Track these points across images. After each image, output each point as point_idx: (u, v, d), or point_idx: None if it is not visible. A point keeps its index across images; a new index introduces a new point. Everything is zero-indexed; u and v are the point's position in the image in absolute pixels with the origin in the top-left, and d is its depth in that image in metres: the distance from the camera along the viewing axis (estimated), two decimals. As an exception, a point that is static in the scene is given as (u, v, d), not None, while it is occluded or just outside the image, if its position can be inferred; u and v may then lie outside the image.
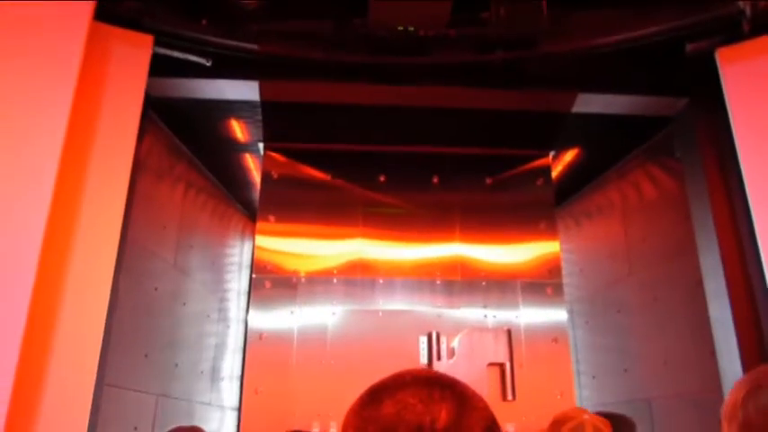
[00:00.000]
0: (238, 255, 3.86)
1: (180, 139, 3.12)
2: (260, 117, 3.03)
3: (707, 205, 2.59)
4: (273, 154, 3.25)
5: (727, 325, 2.37)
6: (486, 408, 0.70)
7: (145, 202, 2.74)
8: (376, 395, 0.70)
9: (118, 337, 2.43)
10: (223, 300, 3.67)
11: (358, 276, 3.08)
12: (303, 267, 3.10)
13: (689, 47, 2.43)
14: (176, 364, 3.08)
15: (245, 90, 2.76)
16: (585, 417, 1.78)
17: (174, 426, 1.74)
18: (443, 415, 0.65)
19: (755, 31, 2.34)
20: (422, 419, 0.64)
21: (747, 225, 2.37)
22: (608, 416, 2.03)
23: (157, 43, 2.38)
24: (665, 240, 2.91)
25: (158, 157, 2.92)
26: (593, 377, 3.26)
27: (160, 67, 2.46)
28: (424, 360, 2.91)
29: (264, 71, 2.64)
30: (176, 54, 2.46)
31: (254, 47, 2.53)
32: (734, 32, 2.40)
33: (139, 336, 2.70)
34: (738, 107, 2.39)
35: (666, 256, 2.89)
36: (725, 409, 0.84)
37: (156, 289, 2.88)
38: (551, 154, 3.32)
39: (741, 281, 2.42)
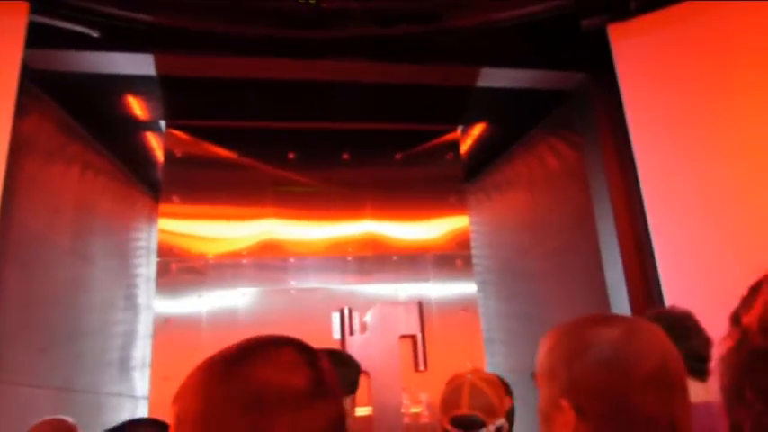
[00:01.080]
0: (146, 239, 3.70)
1: (74, 117, 2.93)
2: (159, 93, 2.89)
3: (603, 177, 2.71)
4: (176, 132, 3.12)
5: (620, 289, 2.50)
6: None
7: (33, 185, 2.56)
8: (236, 355, 0.67)
9: (8, 332, 2.29)
10: (130, 286, 3.51)
11: (268, 256, 3.03)
12: (211, 249, 3.01)
13: (583, 23, 2.51)
14: (79, 356, 2.93)
15: (140, 64, 2.61)
16: (468, 377, 1.81)
17: (39, 420, 1.66)
18: (299, 379, 0.64)
19: (641, 9, 2.44)
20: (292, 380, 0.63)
21: (639, 196, 2.50)
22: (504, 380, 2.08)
23: (35, 11, 2.20)
24: (568, 211, 3.03)
25: (47, 136, 2.73)
26: (504, 344, 3.38)
27: (43, 37, 2.29)
28: (336, 335, 2.91)
29: (159, 44, 2.51)
30: (59, 23, 2.29)
31: (147, 17, 2.39)
32: (623, 10, 2.50)
33: (34, 328, 2.54)
34: (628, 82, 2.50)
35: (569, 226, 3.01)
36: (541, 367, 0.86)
37: (50, 278, 2.72)
38: (460, 128, 3.37)
39: (633, 248, 2.56)
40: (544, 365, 0.87)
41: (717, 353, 0.59)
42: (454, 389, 1.70)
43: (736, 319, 0.58)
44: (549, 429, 0.86)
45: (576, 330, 0.84)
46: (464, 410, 1.65)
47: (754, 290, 0.57)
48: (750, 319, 0.55)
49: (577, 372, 0.79)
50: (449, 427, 1.65)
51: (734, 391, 0.54)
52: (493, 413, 1.67)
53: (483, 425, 1.65)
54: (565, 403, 0.78)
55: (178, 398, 0.66)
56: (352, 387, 1.78)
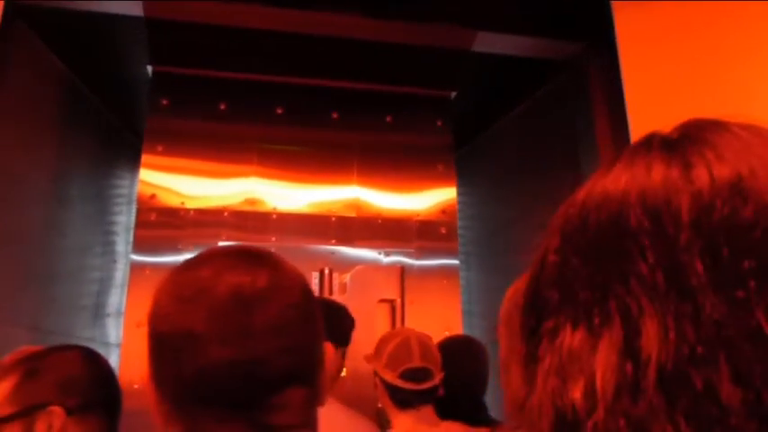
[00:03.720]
0: (128, 186, 3.64)
1: (59, 55, 2.85)
2: (146, 36, 2.81)
3: (595, 151, 2.67)
4: (162, 78, 3.04)
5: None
6: (299, 274, 0.71)
7: (12, 122, 2.49)
8: (191, 263, 0.68)
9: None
10: (108, 233, 3.47)
11: (250, 212, 2.98)
12: (192, 201, 2.96)
13: (585, -10, 2.45)
14: (54, 299, 2.90)
15: (127, 4, 2.53)
16: (409, 331, 1.80)
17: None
18: (263, 276, 0.64)
19: (647, -22, 2.37)
20: (241, 279, 0.63)
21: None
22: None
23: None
24: (558, 185, 2.99)
25: (30, 72, 2.65)
26: (483, 317, 3.37)
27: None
28: (315, 295, 2.89)
29: (148, -17, 2.43)
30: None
31: (136, -46, 2.31)
32: (629, -22, 2.43)
33: (9, 267, 2.50)
34: (628, 53, 2.45)
35: (558, 199, 2.97)
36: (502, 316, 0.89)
37: (28, 218, 2.67)
38: (452, 95, 3.30)
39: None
40: (504, 314, 0.88)
41: None
42: (402, 343, 1.66)
43: None
44: (509, 379, 0.86)
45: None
46: (417, 363, 1.63)
47: None
48: None
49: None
50: (398, 381, 1.62)
51: None
52: (438, 366, 1.69)
53: (433, 376, 1.65)
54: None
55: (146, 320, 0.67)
56: (344, 339, 1.74)
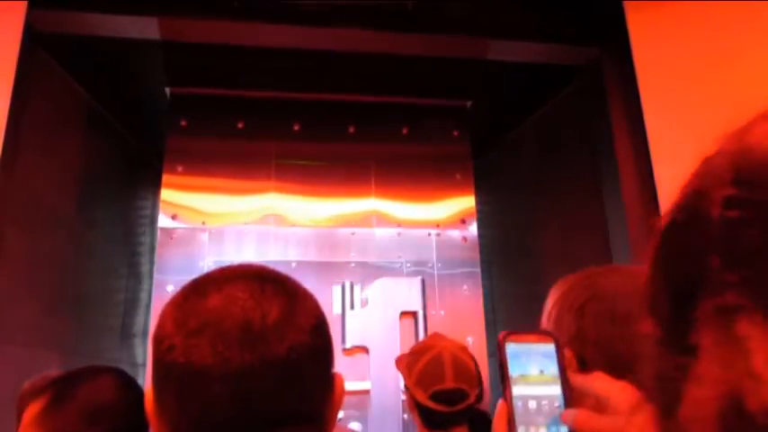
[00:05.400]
0: (150, 208, 3.70)
1: (79, 81, 2.92)
2: (163, 59, 2.86)
3: (613, 156, 2.64)
4: (180, 100, 3.08)
5: (626, 270, 2.44)
6: (315, 305, 0.67)
7: (37, 147, 2.55)
8: (200, 287, 0.64)
9: (11, 293, 2.29)
10: (133, 254, 3.52)
11: (270, 228, 3.00)
12: (212, 219, 2.99)
13: (598, -6, 2.44)
14: (81, 321, 2.94)
15: (144, 27, 2.58)
16: (444, 344, 1.63)
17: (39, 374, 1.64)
18: (274, 311, 0.61)
19: (660, -19, 2.36)
20: (250, 315, 0.60)
21: (650, 178, 2.43)
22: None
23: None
24: (577, 190, 2.97)
25: (52, 99, 2.71)
26: (506, 325, 3.34)
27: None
28: (337, 310, 2.89)
29: (164, 7, 2.47)
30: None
31: (151, -20, 2.36)
32: (641, -19, 2.41)
33: (37, 290, 2.55)
34: (643, 59, 2.43)
35: (578, 205, 2.96)
36: (548, 315, 0.84)
37: (55, 242, 2.72)
38: (468, 104, 3.30)
39: (641, 230, 2.50)
40: (552, 314, 0.86)
41: None
42: (434, 360, 1.56)
43: None
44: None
45: (587, 280, 0.83)
46: (450, 384, 1.52)
47: None
48: None
49: (585, 322, 0.78)
50: (429, 402, 1.51)
51: None
52: (474, 383, 1.58)
53: (467, 397, 1.54)
54: (568, 353, 0.77)
55: None
56: None
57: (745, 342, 0.26)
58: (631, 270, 0.82)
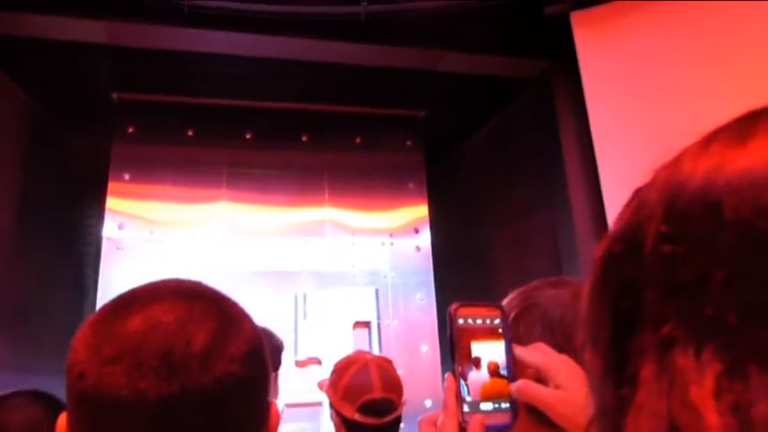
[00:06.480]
0: (96, 217, 3.57)
1: (21, 86, 2.81)
2: (110, 63, 2.78)
3: (562, 167, 2.71)
4: (128, 106, 3.00)
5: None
6: (251, 329, 0.61)
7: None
8: (121, 306, 0.59)
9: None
10: (78, 265, 3.39)
11: (221, 237, 2.94)
12: (161, 229, 2.91)
13: (546, 9, 2.50)
14: (24, 335, 2.81)
15: (91, 31, 2.50)
16: (368, 357, 1.61)
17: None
18: (201, 337, 0.55)
19: (605, -3, 2.43)
20: (172, 341, 0.54)
21: (597, 187, 2.49)
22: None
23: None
24: (527, 200, 3.03)
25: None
26: (459, 334, 3.36)
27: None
28: (290, 319, 2.85)
29: (111, 11, 2.40)
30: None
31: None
32: (587, -3, 2.49)
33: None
34: (589, 71, 2.49)
35: (528, 215, 3.01)
36: None
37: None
38: (422, 114, 3.33)
39: (590, 240, 2.56)
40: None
41: None
42: (360, 372, 1.51)
43: None
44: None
45: (525, 293, 0.85)
46: (378, 394, 1.48)
47: None
48: None
49: (521, 330, 0.79)
50: (357, 416, 1.45)
51: None
52: (401, 394, 1.55)
53: (395, 408, 1.51)
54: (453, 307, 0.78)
55: None
56: (274, 364, 1.61)
57: (682, 374, 0.26)
58: (572, 282, 0.84)
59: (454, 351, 0.65)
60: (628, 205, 0.33)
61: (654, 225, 0.30)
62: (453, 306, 0.67)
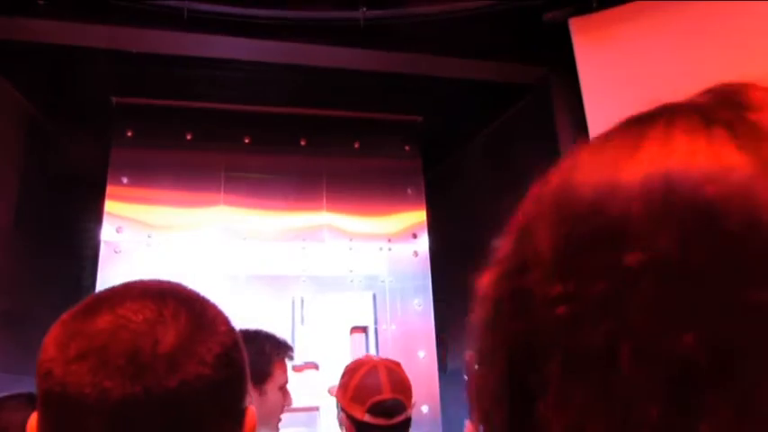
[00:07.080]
0: (94, 220, 3.57)
1: (20, 89, 2.81)
2: (109, 68, 2.78)
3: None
4: (126, 109, 3.00)
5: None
6: (226, 331, 0.60)
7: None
8: (93, 305, 0.59)
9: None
10: (76, 268, 3.38)
11: (219, 241, 2.94)
12: (159, 233, 2.91)
13: (545, 16, 2.50)
14: (23, 337, 2.80)
15: (91, 36, 2.50)
16: (377, 359, 1.66)
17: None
18: (169, 338, 0.54)
19: (604, 4, 2.44)
20: (140, 341, 0.54)
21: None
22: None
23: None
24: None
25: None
26: (456, 341, 3.36)
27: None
28: (287, 324, 2.85)
29: (111, 15, 2.41)
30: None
31: (96, -14, 2.29)
32: (586, 4, 2.49)
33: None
34: (587, 77, 2.50)
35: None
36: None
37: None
38: (420, 119, 3.33)
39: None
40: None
41: None
42: (369, 373, 1.53)
43: None
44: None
45: None
46: (387, 395, 1.49)
47: None
48: None
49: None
50: (367, 417, 1.47)
51: None
52: (410, 395, 1.56)
53: (405, 409, 1.52)
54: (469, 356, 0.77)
55: None
56: (261, 377, 1.58)
57: None
58: None
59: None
60: (512, 225, 0.28)
61: (540, 272, 0.25)
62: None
